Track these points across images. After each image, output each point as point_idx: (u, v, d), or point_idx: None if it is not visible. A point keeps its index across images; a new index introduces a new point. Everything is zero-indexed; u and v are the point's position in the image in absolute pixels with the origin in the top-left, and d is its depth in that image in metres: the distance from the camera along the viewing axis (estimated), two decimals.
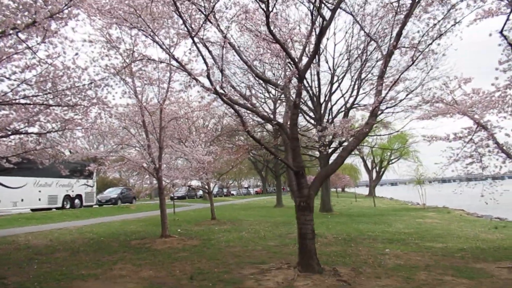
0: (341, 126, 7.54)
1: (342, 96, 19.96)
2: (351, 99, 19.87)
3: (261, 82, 23.09)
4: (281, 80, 8.92)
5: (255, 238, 12.24)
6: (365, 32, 8.84)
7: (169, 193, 21.47)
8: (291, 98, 7.88)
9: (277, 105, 28.42)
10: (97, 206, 29.29)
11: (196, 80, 7.97)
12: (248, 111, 10.07)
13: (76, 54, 8.90)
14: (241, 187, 75.85)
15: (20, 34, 7.93)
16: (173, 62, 9.54)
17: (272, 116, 30.21)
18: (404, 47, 8.62)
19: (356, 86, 19.13)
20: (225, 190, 62.44)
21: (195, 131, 14.87)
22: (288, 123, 7.49)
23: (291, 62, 10.92)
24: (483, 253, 9.71)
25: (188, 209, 28.53)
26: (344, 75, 19.73)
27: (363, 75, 18.95)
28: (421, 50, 6.89)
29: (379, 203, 36.50)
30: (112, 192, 32.70)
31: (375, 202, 33.99)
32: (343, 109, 21.40)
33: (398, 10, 7.44)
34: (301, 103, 22.80)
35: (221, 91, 7.59)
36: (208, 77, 6.35)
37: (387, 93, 7.42)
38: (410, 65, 7.10)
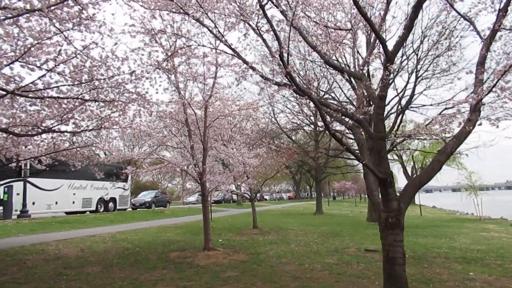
0: (436, 122, 6.04)
1: (398, 95, 18.19)
2: (406, 99, 18.16)
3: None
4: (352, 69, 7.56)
5: (309, 253, 10.79)
6: (456, 11, 7.29)
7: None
8: (372, 89, 6.44)
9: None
10: (130, 209, 28.59)
11: (253, 69, 6.69)
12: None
13: (116, 44, 7.83)
14: (274, 192, 74.22)
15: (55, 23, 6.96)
16: (225, 50, 8.36)
17: (312, 119, 28.76)
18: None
19: (412, 84, 17.43)
20: (258, 195, 60.94)
21: (239, 132, 13.59)
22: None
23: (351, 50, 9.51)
24: None
25: (224, 214, 27.30)
26: (397, 73, 18.03)
27: (420, 72, 17.23)
28: None
29: (424, 212, 34.23)
30: (146, 196, 31.93)
31: (421, 211, 31.80)
32: (394, 110, 19.65)
33: None
34: (347, 104, 21.19)
35: (285, 81, 6.30)
36: (281, 57, 5.02)
37: (497, 82, 5.85)
38: None
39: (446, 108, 19.17)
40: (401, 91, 17.91)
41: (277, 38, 5.01)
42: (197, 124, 10.60)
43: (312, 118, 27.58)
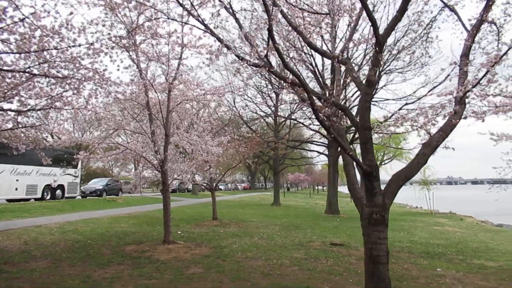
0: (422, 114, 5.71)
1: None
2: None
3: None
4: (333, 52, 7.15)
5: (274, 247, 10.37)
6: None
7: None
8: (358, 75, 6.01)
9: (280, 97, 26.58)
10: (80, 197, 26.99)
11: (228, 47, 6.05)
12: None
13: (71, 13, 6.90)
14: (231, 182, 73.65)
15: None
16: (196, 25, 7.68)
17: (274, 110, 28.38)
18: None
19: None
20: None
21: (201, 119, 12.84)
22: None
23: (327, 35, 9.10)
24: None
25: (180, 204, 26.42)
26: (361, 66, 18.00)
27: (384, 66, 17.25)
28: None
29: None
30: (97, 183, 30.28)
31: None
32: (356, 103, 19.67)
33: None
34: (309, 95, 20.86)
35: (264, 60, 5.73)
36: (270, 30, 4.43)
37: (485, 74, 5.60)
38: None
39: (407, 103, 19.40)
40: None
41: (267, 10, 4.41)
42: (160, 107, 9.80)
43: (273, 108, 27.28)
